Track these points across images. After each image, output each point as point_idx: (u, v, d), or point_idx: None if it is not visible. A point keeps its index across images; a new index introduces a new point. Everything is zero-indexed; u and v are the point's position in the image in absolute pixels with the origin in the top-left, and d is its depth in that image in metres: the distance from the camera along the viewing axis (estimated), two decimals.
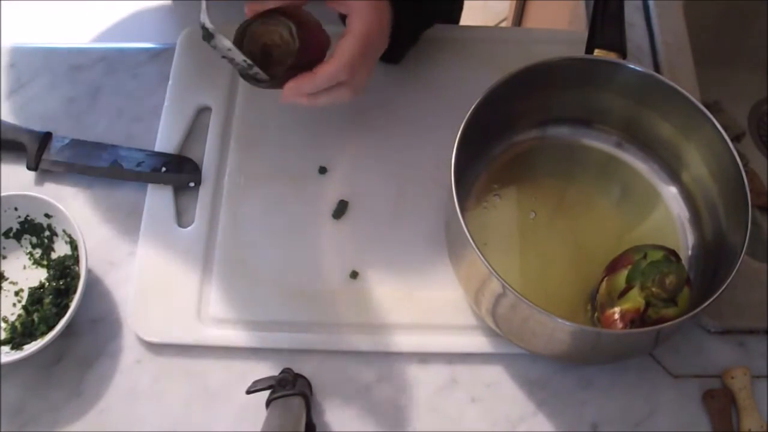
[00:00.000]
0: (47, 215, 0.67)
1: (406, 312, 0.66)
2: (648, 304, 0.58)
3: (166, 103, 0.76)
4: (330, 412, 0.63)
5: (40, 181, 0.73)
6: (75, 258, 0.67)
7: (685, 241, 0.68)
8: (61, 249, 0.68)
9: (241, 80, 0.77)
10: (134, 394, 0.64)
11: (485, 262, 0.54)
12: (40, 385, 0.64)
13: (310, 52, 0.61)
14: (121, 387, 0.64)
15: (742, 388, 0.63)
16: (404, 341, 0.65)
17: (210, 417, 0.63)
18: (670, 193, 0.70)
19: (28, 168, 0.72)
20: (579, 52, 0.67)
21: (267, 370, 0.64)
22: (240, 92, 0.76)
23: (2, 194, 0.67)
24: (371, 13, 0.61)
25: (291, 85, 0.60)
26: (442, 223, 0.69)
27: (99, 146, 0.73)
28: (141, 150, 0.73)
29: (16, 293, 0.67)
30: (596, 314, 0.63)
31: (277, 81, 0.60)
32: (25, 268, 0.68)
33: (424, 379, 0.64)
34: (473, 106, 0.60)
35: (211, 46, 0.57)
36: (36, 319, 0.64)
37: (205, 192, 0.71)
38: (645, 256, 0.60)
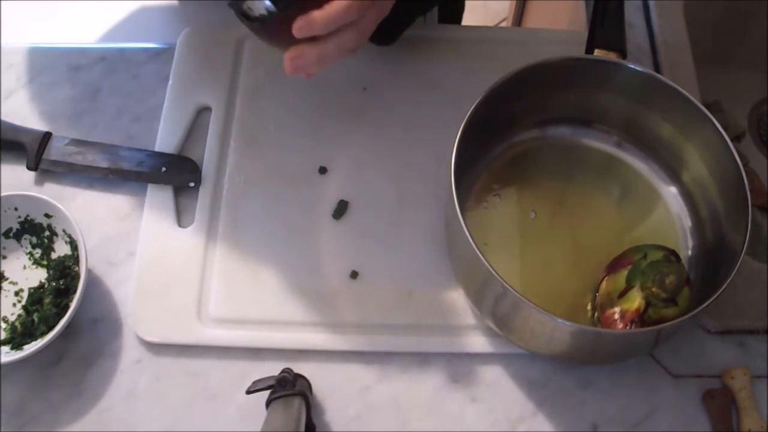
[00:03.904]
0: (47, 215, 0.67)
1: (406, 312, 0.66)
2: (648, 304, 0.58)
3: (166, 103, 0.75)
4: (330, 412, 0.63)
5: (40, 181, 0.73)
6: (75, 258, 0.67)
7: (685, 241, 0.68)
8: (61, 249, 0.68)
9: (241, 80, 0.77)
10: (134, 394, 0.64)
11: (485, 262, 0.54)
12: (40, 385, 0.64)
13: None
14: (121, 387, 0.64)
15: (742, 388, 0.63)
16: (404, 341, 0.65)
17: (210, 417, 0.63)
18: (670, 193, 0.70)
19: (28, 168, 0.72)
20: (579, 52, 0.67)
21: (267, 370, 0.64)
22: (240, 92, 0.76)
23: (2, 194, 0.67)
24: None
25: (302, 20, 0.52)
26: (442, 223, 0.69)
27: (99, 146, 0.73)
28: (141, 150, 0.73)
29: (16, 293, 0.67)
30: (596, 314, 0.63)
31: (279, 19, 0.53)
32: (25, 268, 0.68)
33: (424, 379, 0.64)
34: (473, 106, 0.60)
35: None
36: (36, 319, 0.64)
37: (205, 192, 0.71)
38: (645, 256, 0.60)
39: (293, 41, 0.54)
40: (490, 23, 1.75)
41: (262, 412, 0.59)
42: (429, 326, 0.66)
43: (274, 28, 0.54)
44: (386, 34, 0.63)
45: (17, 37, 0.84)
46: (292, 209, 0.71)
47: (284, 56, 0.55)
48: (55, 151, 0.72)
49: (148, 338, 0.65)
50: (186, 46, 0.79)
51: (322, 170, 0.72)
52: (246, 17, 0.54)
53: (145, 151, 0.73)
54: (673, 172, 0.70)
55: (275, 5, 0.52)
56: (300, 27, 0.52)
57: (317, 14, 0.52)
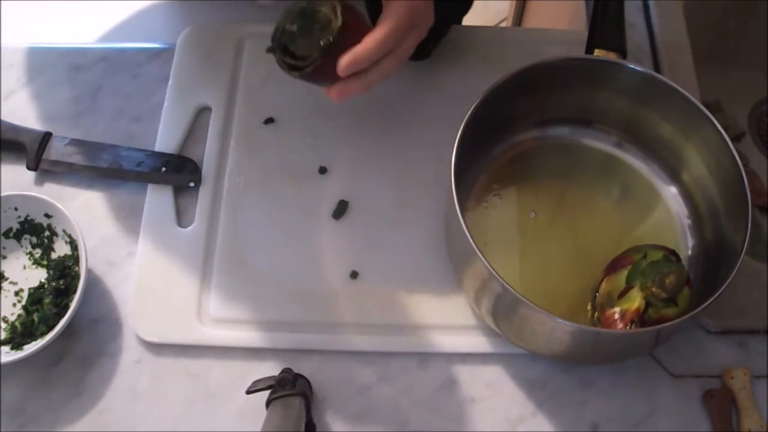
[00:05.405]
0: (47, 215, 0.67)
1: (406, 312, 0.66)
2: (648, 304, 0.58)
3: (166, 103, 0.76)
4: (330, 412, 0.63)
5: (40, 181, 0.73)
6: (75, 258, 0.67)
7: (685, 241, 0.68)
8: (61, 249, 0.68)
9: (241, 80, 0.77)
10: (134, 394, 0.64)
11: (485, 262, 0.54)
12: (40, 385, 0.64)
13: (352, 37, 0.56)
14: (121, 387, 0.64)
15: (742, 388, 0.63)
16: (404, 341, 0.65)
17: (210, 417, 0.63)
18: (670, 193, 0.70)
19: (28, 168, 0.72)
20: (579, 52, 0.67)
21: (267, 370, 0.64)
22: (240, 92, 0.76)
23: (2, 194, 0.67)
24: None
25: (346, 60, 0.55)
26: (442, 223, 0.69)
27: (99, 146, 0.73)
28: (141, 150, 0.73)
29: (16, 293, 0.67)
30: (596, 314, 0.63)
31: (314, 63, 0.56)
32: (25, 268, 0.68)
33: (424, 379, 0.64)
34: (473, 106, 0.60)
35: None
36: (36, 319, 0.64)
37: (205, 192, 0.71)
38: (645, 256, 0.60)
39: (338, 79, 0.57)
40: (490, 23, 1.75)
41: (262, 412, 0.59)
42: (429, 326, 0.66)
43: (319, 72, 0.57)
44: (421, 49, 0.64)
45: (17, 37, 0.84)
46: (292, 209, 0.71)
47: (330, 91, 0.58)
48: (55, 151, 0.72)
49: (148, 338, 0.65)
50: (186, 46, 0.79)
51: (322, 170, 0.72)
52: (291, 68, 0.57)
53: (145, 151, 0.73)
54: (673, 172, 0.70)
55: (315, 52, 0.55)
56: (345, 67, 0.55)
57: (359, 52, 0.55)
